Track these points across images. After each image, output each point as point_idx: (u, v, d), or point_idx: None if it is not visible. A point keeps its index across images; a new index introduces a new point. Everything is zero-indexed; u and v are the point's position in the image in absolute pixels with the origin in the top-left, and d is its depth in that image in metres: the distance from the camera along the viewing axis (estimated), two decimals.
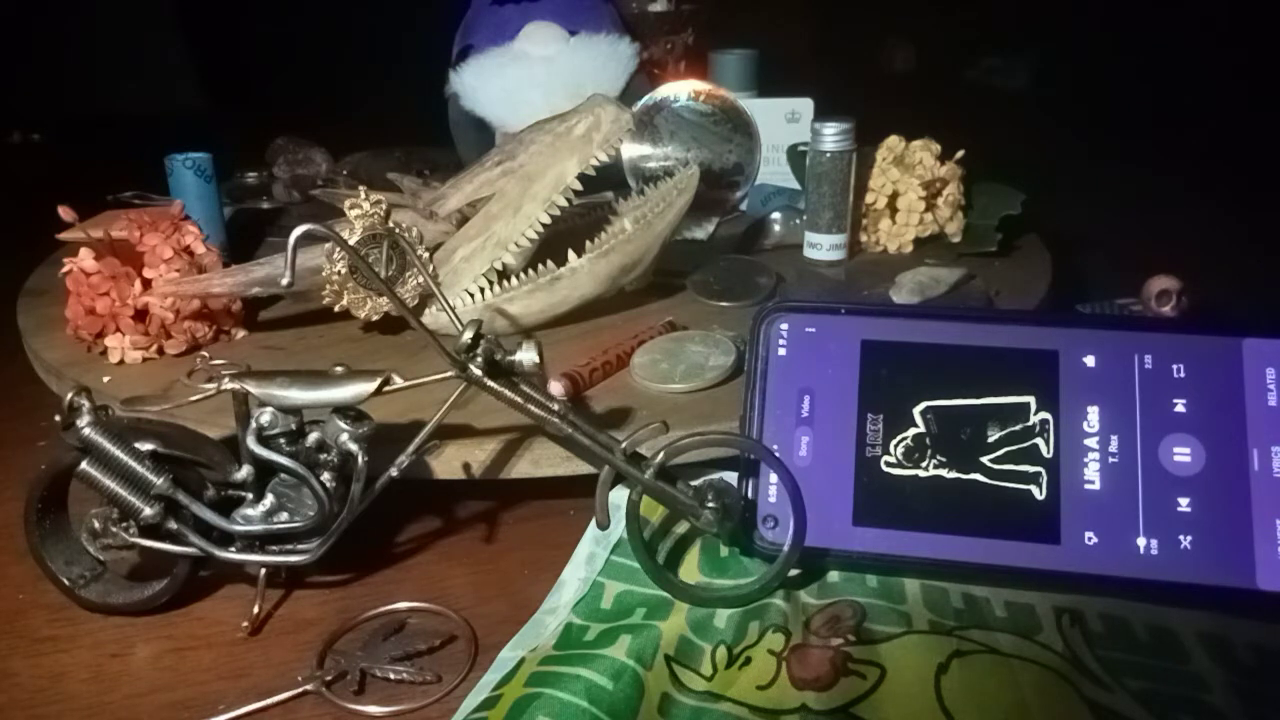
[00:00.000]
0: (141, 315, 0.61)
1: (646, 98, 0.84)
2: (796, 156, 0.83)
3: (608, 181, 0.70)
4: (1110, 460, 0.43)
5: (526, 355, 0.43)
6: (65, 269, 0.62)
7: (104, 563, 0.46)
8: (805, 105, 0.88)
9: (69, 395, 0.42)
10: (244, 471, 0.44)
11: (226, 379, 0.43)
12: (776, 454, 0.44)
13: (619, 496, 0.45)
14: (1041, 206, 0.78)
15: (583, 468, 0.49)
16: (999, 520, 0.43)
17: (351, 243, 0.58)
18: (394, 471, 0.43)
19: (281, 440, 0.43)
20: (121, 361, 0.61)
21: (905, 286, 0.66)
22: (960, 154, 0.77)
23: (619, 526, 0.46)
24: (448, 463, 0.50)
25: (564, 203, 0.62)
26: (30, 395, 0.65)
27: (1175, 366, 0.44)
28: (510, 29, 0.89)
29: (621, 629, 0.40)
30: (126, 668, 0.42)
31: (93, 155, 1.32)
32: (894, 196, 0.77)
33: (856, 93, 0.94)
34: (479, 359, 0.43)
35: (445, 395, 0.44)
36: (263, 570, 0.44)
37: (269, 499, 0.44)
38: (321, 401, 0.43)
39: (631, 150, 0.83)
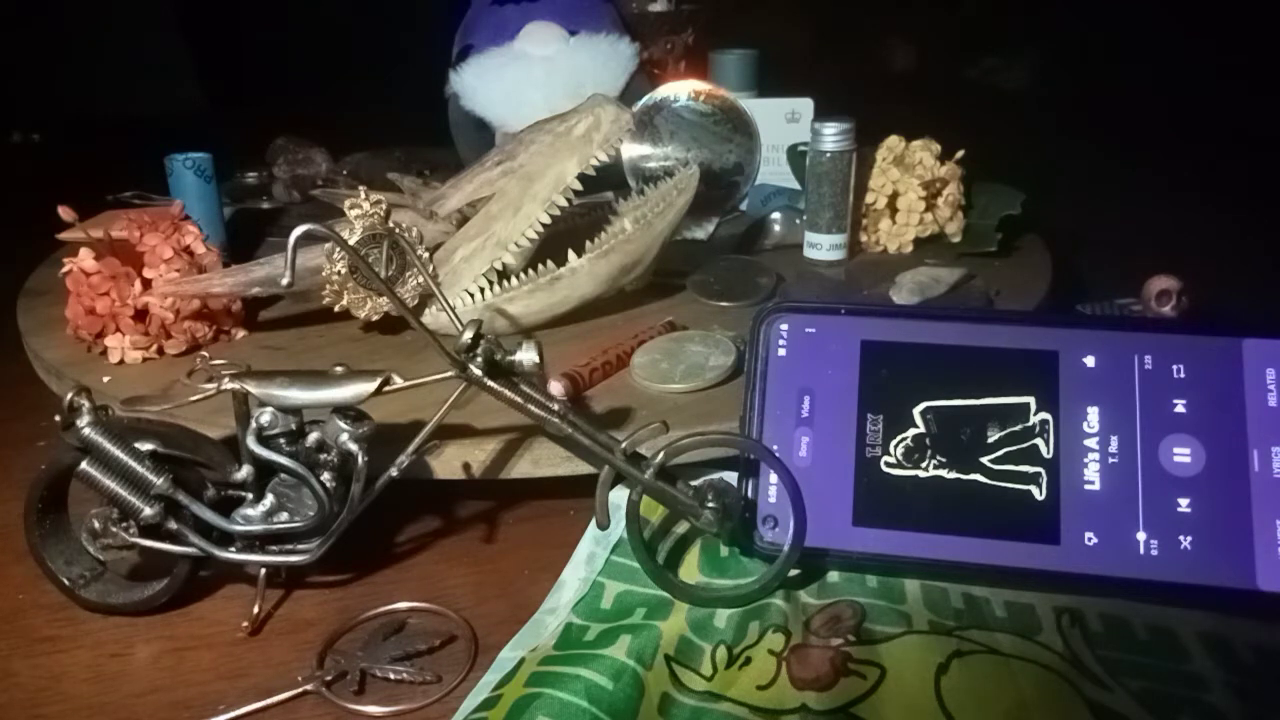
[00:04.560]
0: (141, 315, 0.61)
1: (646, 98, 0.84)
2: (796, 156, 0.83)
3: (608, 181, 0.70)
4: (1110, 460, 0.43)
5: (526, 355, 0.43)
6: (65, 269, 0.62)
7: (104, 563, 0.46)
8: (805, 105, 0.88)
9: (69, 395, 0.42)
10: (244, 471, 0.44)
11: (226, 379, 0.43)
12: (776, 454, 0.44)
13: (619, 496, 0.45)
14: (1041, 206, 0.78)
15: (583, 468, 0.49)
16: (999, 520, 0.43)
17: (351, 243, 0.58)
18: (394, 471, 0.43)
19: (281, 440, 0.43)
20: (121, 361, 0.61)
21: (905, 286, 0.66)
22: (960, 154, 0.77)
23: (619, 526, 0.46)
24: (448, 463, 0.50)
25: (564, 203, 0.62)
26: (30, 395, 0.65)
27: (1175, 367, 0.44)
28: (510, 29, 0.89)
29: (621, 629, 0.40)
30: (126, 668, 0.42)
31: (93, 155, 1.32)
32: (894, 196, 0.77)
33: (856, 93, 0.94)
34: (479, 359, 0.43)
35: (445, 395, 0.44)
36: (263, 570, 0.44)
37: (269, 499, 0.44)
38: (321, 401, 0.43)
39: (631, 150, 0.83)
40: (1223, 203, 1.06)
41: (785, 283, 0.71)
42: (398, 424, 0.49)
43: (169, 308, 0.60)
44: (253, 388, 0.43)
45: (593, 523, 0.46)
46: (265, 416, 0.43)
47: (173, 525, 0.43)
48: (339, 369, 0.44)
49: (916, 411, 0.45)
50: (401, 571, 0.48)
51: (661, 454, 0.42)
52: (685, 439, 0.42)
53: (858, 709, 0.36)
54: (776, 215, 0.80)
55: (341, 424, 0.43)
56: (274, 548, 0.45)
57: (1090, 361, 0.44)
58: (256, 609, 0.44)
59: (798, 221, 0.78)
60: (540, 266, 0.63)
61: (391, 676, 0.40)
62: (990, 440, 0.44)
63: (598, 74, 0.86)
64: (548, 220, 0.62)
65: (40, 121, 1.62)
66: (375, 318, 0.62)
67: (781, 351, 0.47)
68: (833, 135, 0.73)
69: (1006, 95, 1.72)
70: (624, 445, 0.43)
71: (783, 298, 0.68)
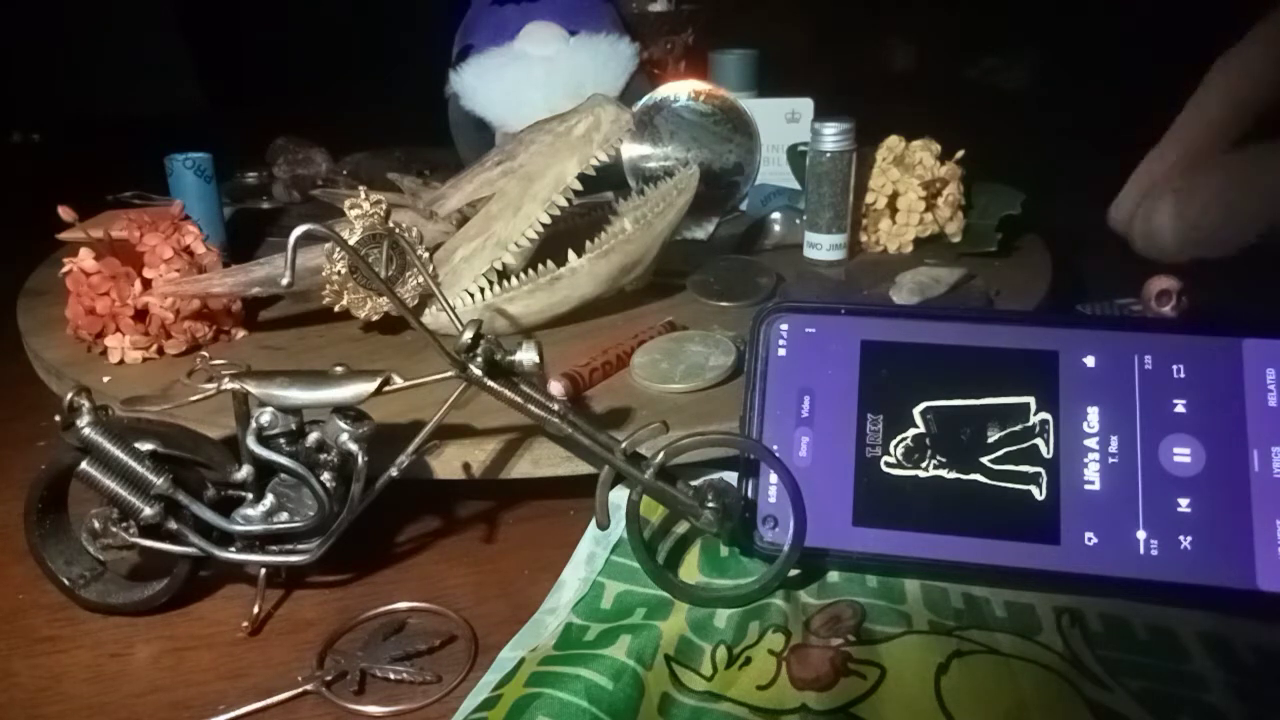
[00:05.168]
0: (141, 315, 0.61)
1: (646, 98, 0.84)
2: (796, 156, 0.83)
3: (608, 181, 0.70)
4: (1110, 460, 0.43)
5: (526, 355, 0.43)
6: (65, 269, 0.62)
7: (104, 563, 0.46)
8: (805, 105, 0.88)
9: (69, 395, 0.42)
10: (244, 471, 0.44)
11: (226, 379, 0.43)
12: (776, 454, 0.44)
13: (619, 496, 0.45)
14: (1041, 206, 0.78)
15: (583, 468, 0.49)
16: (999, 520, 0.43)
17: (351, 243, 0.58)
18: (394, 471, 0.43)
19: (281, 440, 0.43)
20: (121, 361, 0.61)
21: (905, 286, 0.66)
22: (960, 154, 0.77)
23: (619, 526, 0.46)
24: (448, 463, 0.50)
25: (564, 203, 0.62)
26: (30, 395, 0.65)
27: (1175, 367, 0.44)
28: (510, 29, 0.89)
29: (621, 629, 0.40)
30: (126, 668, 0.42)
31: (93, 155, 1.32)
32: (894, 196, 0.77)
33: (856, 93, 0.94)
34: (479, 359, 0.43)
35: (445, 395, 0.44)
36: (263, 570, 0.44)
37: (269, 499, 0.44)
38: (321, 401, 0.43)
39: (631, 150, 0.83)
40: None
41: (785, 283, 0.71)
42: (398, 424, 0.49)
43: (169, 308, 0.60)
44: (253, 388, 0.43)
45: (593, 523, 0.46)
46: (265, 416, 0.43)
47: (173, 525, 0.43)
48: (339, 369, 0.44)
49: (916, 411, 0.45)
50: (401, 571, 0.48)
51: (661, 454, 0.42)
52: (685, 439, 0.42)
53: (858, 709, 0.36)
54: (776, 215, 0.80)
55: (341, 424, 0.43)
56: (274, 548, 0.45)
57: (1090, 361, 0.44)
58: (256, 609, 0.44)
59: (798, 221, 0.78)
60: (540, 266, 0.63)
61: (391, 676, 0.40)
62: (990, 440, 0.44)
63: (598, 74, 0.86)
64: (548, 220, 0.62)
65: (40, 121, 1.62)
66: (375, 318, 0.62)
67: (781, 351, 0.47)
68: (833, 135, 0.73)
69: (1006, 95, 1.72)
70: (624, 445, 0.43)
71: (783, 298, 0.68)
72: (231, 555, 0.44)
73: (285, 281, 0.42)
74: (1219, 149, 0.40)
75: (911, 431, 0.45)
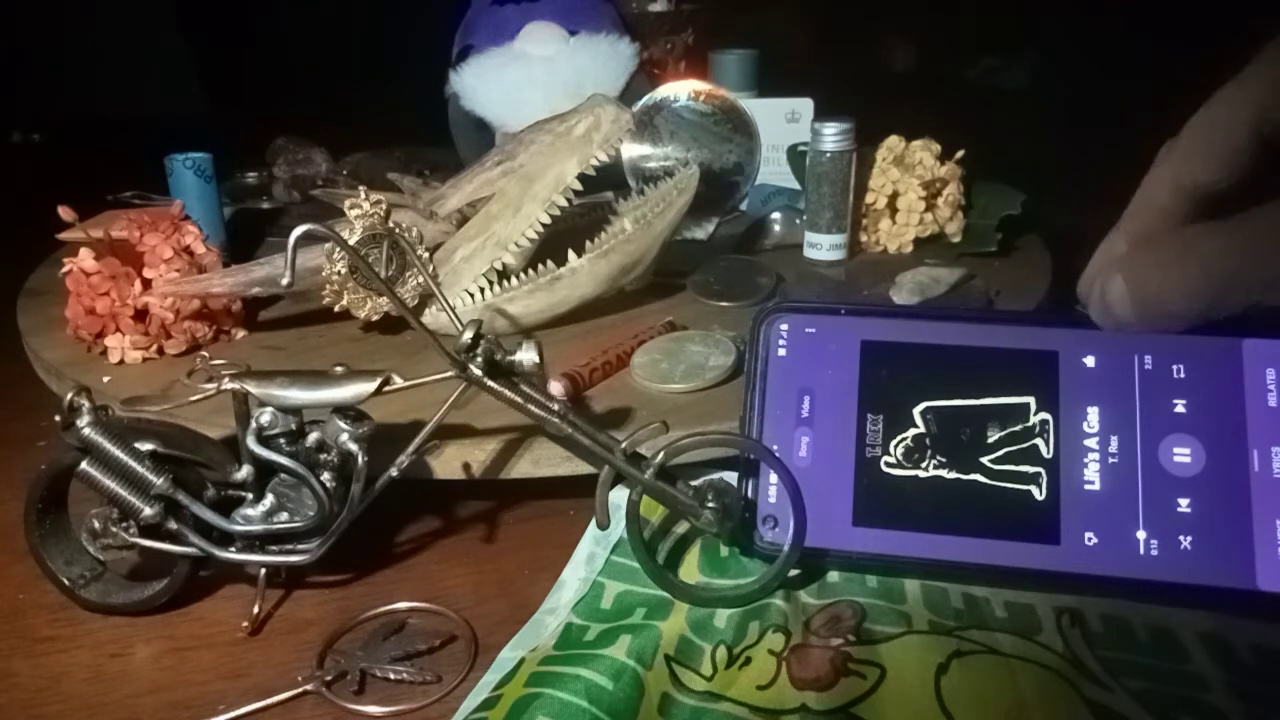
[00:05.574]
0: (141, 315, 0.61)
1: (646, 98, 0.84)
2: (796, 156, 0.83)
3: (608, 181, 0.70)
4: (1110, 461, 0.43)
5: (526, 355, 0.43)
6: (65, 269, 0.62)
7: (104, 563, 0.46)
8: (805, 105, 0.88)
9: (69, 395, 0.42)
10: (244, 471, 0.44)
11: (226, 379, 0.43)
12: (776, 454, 0.44)
13: (619, 496, 0.45)
14: (1041, 206, 0.78)
15: (583, 468, 0.49)
16: (999, 520, 0.43)
17: (351, 243, 0.58)
18: (394, 471, 0.43)
19: (281, 440, 0.43)
20: (121, 361, 0.61)
21: (905, 286, 0.66)
22: (960, 154, 0.77)
23: (619, 526, 0.46)
24: (448, 463, 0.50)
25: (564, 203, 0.62)
26: (30, 395, 0.65)
27: (1175, 367, 0.44)
28: (510, 29, 0.89)
29: (621, 629, 0.40)
30: (126, 668, 0.42)
31: (93, 155, 1.32)
32: (894, 196, 0.77)
33: (856, 93, 0.94)
34: (479, 359, 0.43)
35: (445, 395, 0.44)
36: (263, 570, 0.44)
37: (269, 499, 0.44)
38: (321, 401, 0.43)
39: (631, 150, 0.83)
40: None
41: (785, 283, 0.71)
42: (398, 424, 0.49)
43: (169, 308, 0.60)
44: (253, 388, 0.43)
45: (593, 523, 0.46)
46: (265, 416, 0.43)
47: (173, 525, 0.43)
48: (339, 369, 0.44)
49: (916, 411, 0.45)
50: (401, 571, 0.48)
51: (661, 454, 0.42)
52: (685, 439, 0.42)
53: (858, 709, 0.36)
54: (776, 215, 0.80)
55: (341, 424, 0.43)
56: (274, 548, 0.45)
57: (1090, 361, 0.44)
58: (256, 609, 0.44)
59: (798, 221, 0.78)
60: (540, 266, 0.63)
61: (391, 676, 0.40)
62: (990, 440, 0.44)
63: (598, 74, 0.86)
64: (548, 220, 0.62)
65: (40, 121, 1.62)
66: (375, 318, 0.62)
67: (781, 351, 0.47)
68: (833, 135, 0.73)
69: (1006, 95, 1.72)
70: (624, 445, 0.43)
71: (783, 298, 0.68)
72: (231, 555, 0.44)
73: (285, 281, 0.42)
74: (1168, 230, 0.41)
75: (911, 431, 0.45)
